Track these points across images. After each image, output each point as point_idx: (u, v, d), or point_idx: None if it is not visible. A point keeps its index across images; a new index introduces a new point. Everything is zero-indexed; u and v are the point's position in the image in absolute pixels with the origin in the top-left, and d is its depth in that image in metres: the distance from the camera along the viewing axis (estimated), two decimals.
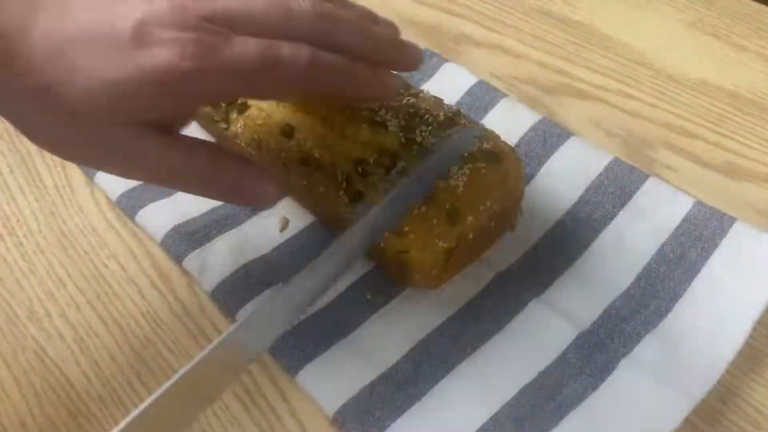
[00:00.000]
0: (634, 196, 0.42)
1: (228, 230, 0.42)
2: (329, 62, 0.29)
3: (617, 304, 0.38)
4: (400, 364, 0.36)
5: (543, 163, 0.44)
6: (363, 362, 0.36)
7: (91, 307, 0.40)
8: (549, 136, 0.45)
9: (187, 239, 0.42)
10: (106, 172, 0.31)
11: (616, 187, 0.42)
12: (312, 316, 0.38)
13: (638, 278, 0.38)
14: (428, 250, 0.35)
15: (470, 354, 0.36)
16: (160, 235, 0.42)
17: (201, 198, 0.41)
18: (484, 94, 0.48)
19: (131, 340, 0.39)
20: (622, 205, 0.42)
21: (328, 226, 0.42)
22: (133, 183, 0.45)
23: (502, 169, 0.37)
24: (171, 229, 0.42)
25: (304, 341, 0.37)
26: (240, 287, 0.39)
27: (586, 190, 0.42)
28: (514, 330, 0.37)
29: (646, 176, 0.43)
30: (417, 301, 0.38)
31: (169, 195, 0.45)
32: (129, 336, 0.39)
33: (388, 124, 0.37)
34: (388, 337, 0.37)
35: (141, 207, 0.44)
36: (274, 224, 0.43)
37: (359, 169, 0.37)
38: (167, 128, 0.30)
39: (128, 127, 0.28)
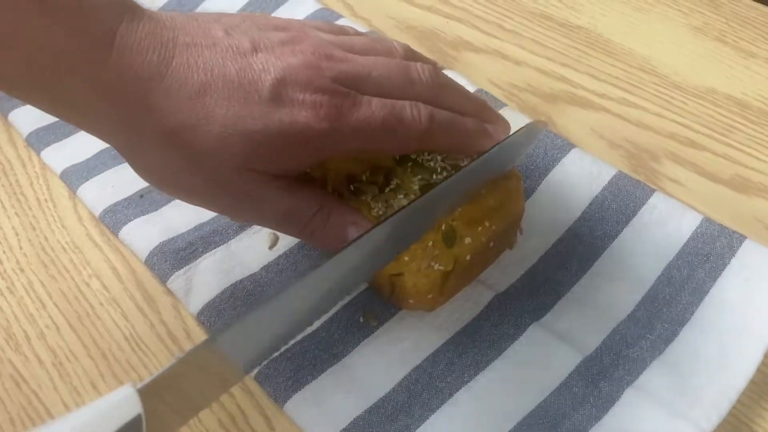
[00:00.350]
0: (639, 213, 0.40)
1: (215, 248, 0.41)
2: (445, 120, 0.32)
3: (622, 328, 0.36)
4: (393, 393, 0.34)
5: (543, 177, 0.42)
6: (354, 391, 0.34)
7: (72, 329, 0.39)
8: (550, 148, 0.43)
9: (172, 257, 0.40)
10: (217, 212, 0.34)
11: (620, 203, 0.40)
12: (299, 340, 0.36)
13: (644, 300, 0.37)
14: (423, 274, 0.33)
15: (467, 382, 0.34)
16: (144, 253, 0.41)
17: (187, 212, 0.40)
18: None
19: (113, 365, 0.37)
20: (627, 222, 0.40)
21: None
22: (117, 197, 0.44)
23: (502, 186, 0.35)
24: (156, 247, 0.41)
25: (292, 367, 0.35)
26: (226, 309, 0.38)
27: (589, 206, 0.41)
28: (513, 356, 0.35)
29: (652, 191, 0.41)
30: (411, 324, 0.37)
31: (155, 209, 0.43)
32: (110, 360, 0.37)
33: None
34: (381, 363, 0.35)
35: (125, 222, 0.42)
36: (263, 241, 0.41)
37: (351, 186, 0.35)
38: (283, 175, 0.31)
39: (250, 173, 0.30)
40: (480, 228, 0.34)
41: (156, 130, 0.28)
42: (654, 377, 0.34)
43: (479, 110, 0.35)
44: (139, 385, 0.24)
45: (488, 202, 0.34)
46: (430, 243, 0.33)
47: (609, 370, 0.34)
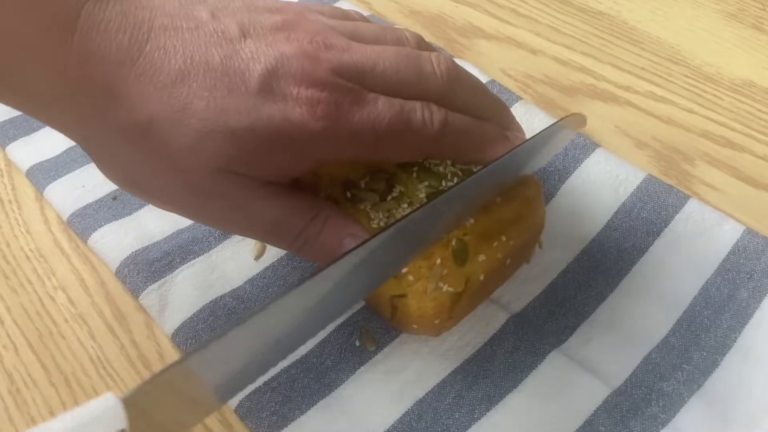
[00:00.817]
0: (672, 223, 0.36)
1: (194, 258, 0.36)
2: (460, 125, 0.28)
3: (654, 356, 0.32)
4: (393, 430, 0.30)
5: (563, 181, 0.37)
6: (348, 429, 0.30)
7: (32, 349, 0.34)
8: (571, 148, 0.38)
9: (145, 269, 0.36)
10: (195, 220, 0.30)
11: (650, 211, 0.36)
12: (287, 366, 0.32)
13: (678, 324, 0.32)
14: (430, 296, 0.29)
15: (478, 419, 0.30)
16: (115, 263, 0.36)
17: (164, 217, 0.35)
18: None
19: (76, 392, 0.33)
20: (658, 234, 0.35)
21: None
22: (87, 199, 0.39)
23: (521, 195, 0.30)
24: (128, 257, 0.36)
25: (277, 399, 0.31)
26: (204, 330, 0.33)
27: (615, 214, 0.36)
28: (531, 388, 0.31)
29: (686, 198, 0.36)
30: (414, 351, 0.32)
31: (129, 213, 0.39)
32: (74, 387, 0.33)
33: None
34: (379, 395, 0.31)
35: (95, 228, 0.38)
36: (248, 251, 0.37)
37: (348, 193, 0.30)
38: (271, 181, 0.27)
39: (232, 177, 0.26)
40: (495, 243, 0.29)
41: (124, 123, 0.25)
42: (691, 415, 0.30)
43: (499, 113, 0.31)
44: (123, 395, 0.20)
45: (505, 214, 0.30)
46: (438, 260, 0.29)
47: (640, 406, 0.30)
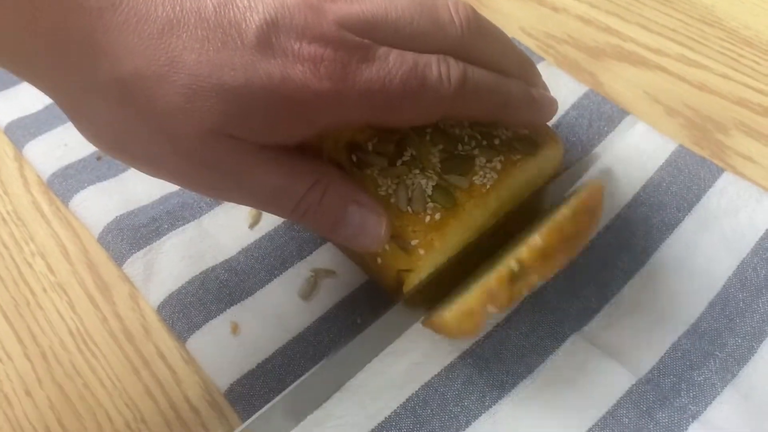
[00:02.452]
0: (704, 197, 0.33)
1: (183, 224, 0.34)
2: (480, 81, 0.25)
3: (684, 343, 0.29)
4: (395, 417, 0.27)
5: (587, 152, 0.34)
6: (348, 418, 0.27)
7: (7, 320, 0.32)
8: (596, 117, 0.35)
9: (130, 235, 0.33)
10: (184, 187, 0.26)
11: (681, 185, 0.33)
12: (281, 348, 0.29)
13: (711, 308, 0.30)
14: (471, 319, 0.25)
15: (489, 407, 0.28)
16: (98, 228, 0.34)
17: (152, 180, 0.32)
18: None
19: (53, 368, 0.30)
20: (689, 209, 0.32)
21: None
22: (69, 158, 0.36)
23: (590, 211, 0.27)
24: (112, 222, 0.34)
25: (271, 385, 0.28)
26: (193, 304, 0.31)
27: (643, 188, 0.33)
28: (548, 374, 0.28)
29: (720, 171, 0.33)
30: (421, 331, 0.29)
31: (114, 174, 0.36)
32: (51, 362, 0.31)
33: None
34: (382, 379, 0.28)
35: (77, 190, 0.35)
36: (242, 218, 0.34)
37: (353, 157, 0.27)
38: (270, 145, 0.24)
39: (226, 140, 0.23)
40: (551, 263, 0.26)
41: (104, 79, 0.22)
42: (725, 408, 0.27)
43: (524, 68, 0.28)
44: None
45: (568, 229, 0.26)
46: (494, 283, 0.25)
47: (669, 397, 0.28)
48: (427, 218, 0.26)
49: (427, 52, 0.24)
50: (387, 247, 0.27)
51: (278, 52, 0.22)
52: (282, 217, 0.27)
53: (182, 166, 0.24)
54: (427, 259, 0.26)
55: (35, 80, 0.24)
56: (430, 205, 0.26)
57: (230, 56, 0.22)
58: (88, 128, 0.25)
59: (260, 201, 0.26)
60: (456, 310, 0.24)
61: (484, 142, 0.27)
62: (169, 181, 0.26)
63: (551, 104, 0.29)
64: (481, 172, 0.26)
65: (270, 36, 0.22)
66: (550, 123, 0.32)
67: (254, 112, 0.23)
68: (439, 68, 0.24)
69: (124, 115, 0.23)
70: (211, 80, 0.22)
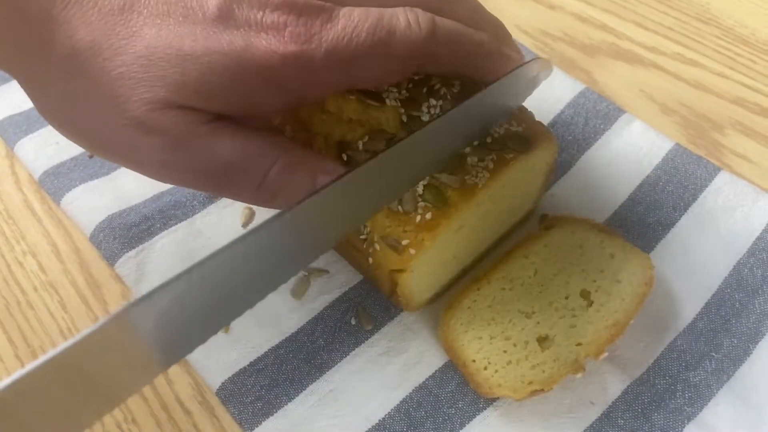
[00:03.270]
0: (701, 197, 0.33)
1: (175, 223, 0.33)
2: (451, 29, 0.24)
3: (680, 343, 0.29)
4: (388, 420, 0.27)
5: (584, 151, 0.34)
6: (340, 416, 0.27)
7: None
8: (592, 115, 0.35)
9: (122, 234, 0.33)
10: (138, 171, 0.24)
11: (677, 184, 0.33)
12: (273, 347, 0.29)
13: (707, 308, 0.30)
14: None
15: (483, 409, 0.27)
16: (90, 227, 0.33)
17: (144, 178, 0.31)
18: None
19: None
20: (685, 208, 0.32)
21: None
22: (61, 156, 0.36)
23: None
24: (104, 220, 0.33)
25: (263, 384, 0.28)
26: None
27: (639, 187, 0.33)
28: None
29: (716, 170, 0.33)
30: (415, 331, 0.29)
31: (107, 172, 0.36)
32: None
33: (385, 95, 0.27)
34: (375, 380, 0.28)
35: (69, 188, 0.35)
36: (235, 216, 0.33)
37: (343, 155, 0.27)
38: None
39: (181, 112, 0.22)
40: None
41: (61, 53, 0.22)
42: (721, 409, 0.27)
43: (495, 28, 0.27)
44: None
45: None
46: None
47: (664, 398, 0.27)
48: (418, 218, 0.26)
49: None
50: (378, 246, 0.27)
51: (241, 23, 0.22)
52: (248, 201, 0.25)
53: (127, 138, 0.23)
54: (418, 259, 0.26)
55: None
56: (422, 204, 0.26)
57: (191, 29, 0.22)
58: (44, 104, 0.24)
59: (215, 180, 0.24)
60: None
61: (476, 141, 0.27)
62: (115, 160, 0.24)
63: (519, 61, 0.28)
64: (473, 171, 0.26)
65: (232, 7, 0.22)
66: (545, 121, 0.31)
67: (214, 80, 0.22)
68: (407, 16, 0.23)
69: (76, 87, 0.22)
70: (170, 50, 0.21)
